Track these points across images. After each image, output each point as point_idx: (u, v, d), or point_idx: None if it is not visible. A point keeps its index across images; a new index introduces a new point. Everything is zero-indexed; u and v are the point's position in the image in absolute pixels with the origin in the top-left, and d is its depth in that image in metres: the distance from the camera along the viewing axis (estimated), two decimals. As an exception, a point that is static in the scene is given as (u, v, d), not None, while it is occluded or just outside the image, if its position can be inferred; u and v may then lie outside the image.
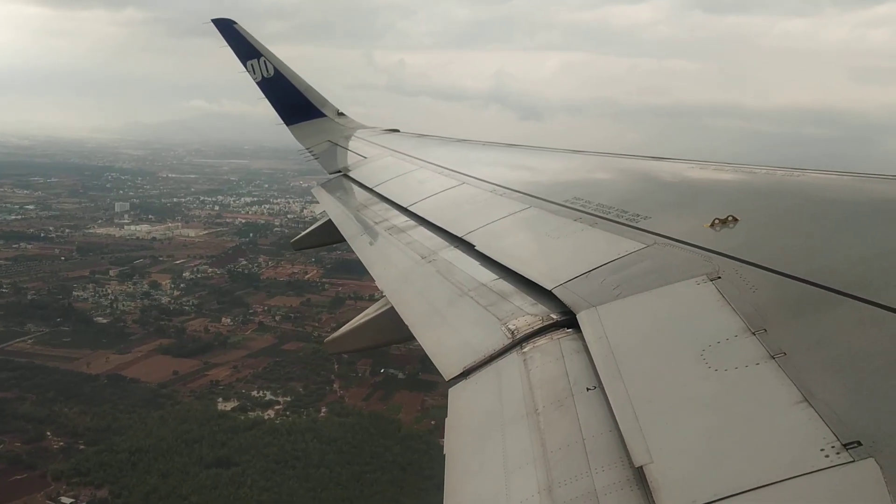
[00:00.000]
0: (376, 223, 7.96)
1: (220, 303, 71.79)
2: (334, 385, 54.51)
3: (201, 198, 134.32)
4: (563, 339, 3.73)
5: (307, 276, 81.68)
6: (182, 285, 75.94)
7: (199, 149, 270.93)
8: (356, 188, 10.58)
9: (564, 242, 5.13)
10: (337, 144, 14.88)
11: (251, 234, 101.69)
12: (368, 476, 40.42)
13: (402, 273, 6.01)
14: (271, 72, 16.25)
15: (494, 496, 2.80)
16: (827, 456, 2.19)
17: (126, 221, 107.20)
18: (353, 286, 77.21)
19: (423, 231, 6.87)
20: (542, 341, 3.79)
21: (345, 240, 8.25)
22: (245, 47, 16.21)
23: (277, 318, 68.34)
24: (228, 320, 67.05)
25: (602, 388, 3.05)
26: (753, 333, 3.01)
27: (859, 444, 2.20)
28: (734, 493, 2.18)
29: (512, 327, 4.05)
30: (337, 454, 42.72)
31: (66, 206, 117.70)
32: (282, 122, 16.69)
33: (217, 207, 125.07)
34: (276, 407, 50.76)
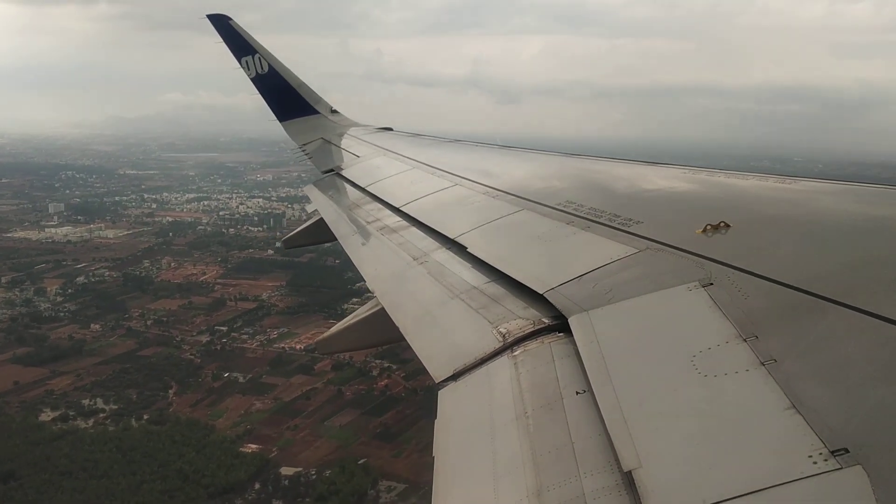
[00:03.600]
0: (368, 223, 7.96)
1: (99, 308, 71.89)
2: (170, 391, 55.30)
3: (145, 195, 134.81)
4: (554, 343, 3.74)
5: (203, 278, 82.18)
6: (70, 291, 74.00)
7: (172, 142, 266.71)
8: (349, 187, 10.58)
9: (556, 246, 5.12)
10: (330, 142, 14.98)
11: (170, 234, 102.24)
12: (146, 486, 40.81)
13: (394, 274, 5.99)
14: (265, 68, 16.33)
15: (483, 499, 2.81)
16: (815, 463, 2.22)
17: (52, 224, 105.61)
18: (244, 286, 76.93)
19: (416, 232, 6.85)
20: (533, 345, 3.80)
21: (336, 239, 8.27)
22: (240, 43, 16.28)
23: (149, 322, 68.41)
24: (98, 326, 66.72)
25: (592, 393, 3.06)
26: (744, 340, 3.03)
27: (847, 451, 2.22)
28: (722, 499, 2.20)
29: (503, 330, 4.05)
30: (127, 464, 42.99)
31: (2, 208, 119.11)
32: (275, 118, 16.84)
33: (154, 205, 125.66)
34: (101, 415, 49.95)
